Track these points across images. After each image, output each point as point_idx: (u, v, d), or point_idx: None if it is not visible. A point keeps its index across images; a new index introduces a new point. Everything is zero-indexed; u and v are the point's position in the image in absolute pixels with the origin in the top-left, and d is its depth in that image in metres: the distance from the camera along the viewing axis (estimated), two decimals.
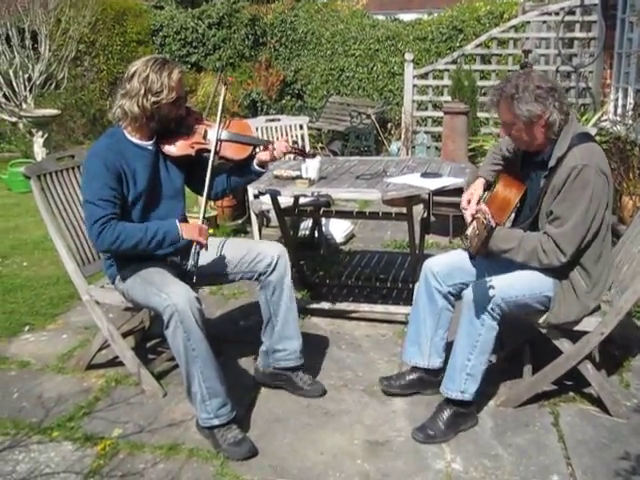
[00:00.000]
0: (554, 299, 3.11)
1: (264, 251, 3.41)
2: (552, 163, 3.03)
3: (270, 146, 3.42)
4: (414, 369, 3.48)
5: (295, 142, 3.52)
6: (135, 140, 3.21)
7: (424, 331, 3.40)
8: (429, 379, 3.44)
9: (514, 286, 3.11)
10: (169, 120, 3.21)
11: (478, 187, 3.37)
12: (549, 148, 3.06)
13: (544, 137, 3.03)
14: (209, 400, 2.99)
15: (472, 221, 3.00)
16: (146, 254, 3.16)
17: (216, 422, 3.01)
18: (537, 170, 3.16)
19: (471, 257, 3.24)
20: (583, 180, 2.91)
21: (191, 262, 3.13)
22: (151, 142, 3.25)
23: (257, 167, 3.44)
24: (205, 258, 3.33)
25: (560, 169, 2.97)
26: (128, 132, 3.21)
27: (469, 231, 2.99)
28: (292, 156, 4.49)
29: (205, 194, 3.29)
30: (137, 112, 3.11)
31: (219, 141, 3.32)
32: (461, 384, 3.13)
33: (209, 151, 3.29)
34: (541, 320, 3.18)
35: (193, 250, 3.15)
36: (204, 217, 3.26)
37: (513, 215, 3.32)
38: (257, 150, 3.44)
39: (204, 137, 3.33)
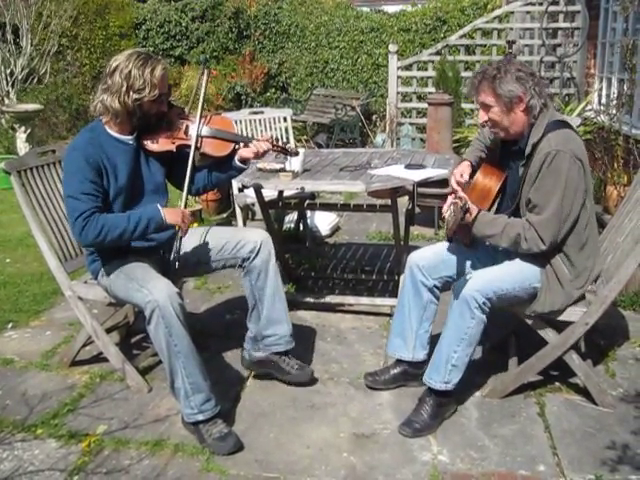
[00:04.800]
0: (540, 289, 3.12)
1: (246, 237, 3.40)
2: (528, 150, 3.04)
3: (252, 144, 3.38)
4: (398, 362, 3.47)
5: (277, 139, 3.48)
6: (115, 134, 3.17)
7: (409, 324, 3.39)
8: (413, 372, 3.44)
9: (504, 279, 3.11)
10: (150, 116, 3.18)
11: (466, 167, 3.37)
12: (525, 136, 3.07)
13: (523, 122, 3.04)
14: (193, 395, 2.97)
15: (450, 205, 3.01)
16: (130, 248, 3.15)
17: (200, 417, 2.99)
18: (515, 159, 3.18)
19: (449, 240, 3.28)
20: (557, 166, 2.91)
21: (174, 249, 3.11)
22: (132, 136, 3.22)
23: (239, 163, 3.41)
24: (188, 247, 3.33)
25: (535, 156, 2.99)
26: (109, 126, 3.17)
27: (447, 214, 3.01)
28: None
29: (185, 190, 3.26)
30: (118, 108, 3.07)
31: (199, 137, 3.29)
32: (445, 375, 3.12)
33: (190, 147, 3.26)
34: (527, 310, 3.19)
35: (176, 237, 3.14)
36: (187, 198, 3.27)
37: (495, 206, 3.32)
38: (239, 146, 3.41)
39: (185, 133, 3.29)
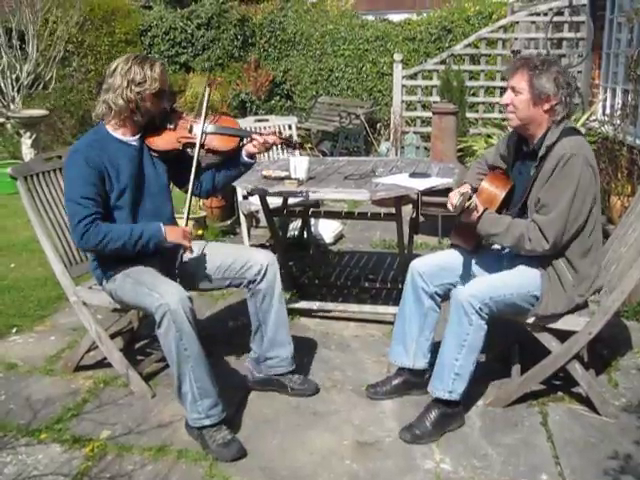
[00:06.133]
0: (542, 292, 3.12)
1: (253, 258, 3.39)
2: (542, 152, 3.07)
3: (257, 137, 3.39)
4: (399, 372, 3.48)
5: (281, 132, 3.52)
6: (118, 136, 3.21)
7: (410, 331, 3.40)
8: (414, 381, 3.44)
9: (502, 285, 3.12)
10: (153, 114, 3.22)
11: (466, 187, 3.39)
12: (539, 138, 3.11)
13: (540, 120, 3.08)
14: (200, 400, 2.97)
15: (457, 193, 3.08)
16: (133, 255, 3.16)
17: (207, 422, 2.99)
18: (527, 161, 3.21)
19: (452, 245, 3.44)
20: (570, 169, 2.95)
21: (177, 262, 3.13)
22: (136, 137, 3.25)
23: (246, 159, 3.43)
24: (192, 264, 3.35)
25: (549, 158, 3.02)
26: (112, 128, 3.21)
27: (454, 200, 3.05)
28: (280, 154, 4.48)
29: (190, 189, 3.29)
30: (121, 104, 3.12)
31: (204, 133, 3.31)
32: (449, 383, 3.12)
33: (195, 145, 3.29)
34: (530, 314, 3.19)
35: (179, 254, 3.15)
36: (188, 216, 3.29)
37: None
38: (244, 142, 3.43)
39: (190, 131, 3.33)
